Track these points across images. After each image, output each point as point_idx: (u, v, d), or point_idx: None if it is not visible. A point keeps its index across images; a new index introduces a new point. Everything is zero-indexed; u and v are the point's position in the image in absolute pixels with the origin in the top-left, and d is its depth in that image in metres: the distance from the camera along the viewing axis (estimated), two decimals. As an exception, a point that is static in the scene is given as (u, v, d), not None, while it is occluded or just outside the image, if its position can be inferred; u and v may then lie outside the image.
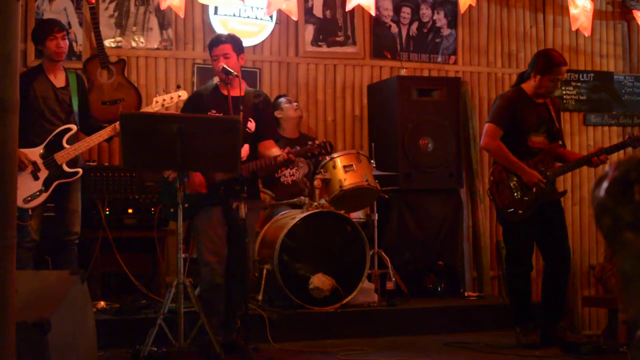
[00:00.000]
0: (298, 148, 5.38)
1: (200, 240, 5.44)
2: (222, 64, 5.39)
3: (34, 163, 5.66)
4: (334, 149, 5.27)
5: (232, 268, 5.36)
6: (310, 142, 5.33)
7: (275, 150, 5.45)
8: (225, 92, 5.42)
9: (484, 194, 7.99)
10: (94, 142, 5.87)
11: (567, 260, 5.90)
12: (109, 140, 6.00)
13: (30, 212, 5.69)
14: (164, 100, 5.95)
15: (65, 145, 5.76)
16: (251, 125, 5.47)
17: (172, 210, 5.33)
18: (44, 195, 5.69)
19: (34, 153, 5.67)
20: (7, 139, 2.48)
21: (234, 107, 5.28)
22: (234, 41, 5.54)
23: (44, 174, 5.69)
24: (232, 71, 5.34)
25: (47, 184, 5.70)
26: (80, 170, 5.86)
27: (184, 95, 6.04)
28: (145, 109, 6.00)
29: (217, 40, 5.54)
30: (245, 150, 5.35)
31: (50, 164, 5.70)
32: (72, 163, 5.80)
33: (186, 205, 5.23)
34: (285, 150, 5.27)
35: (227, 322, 5.37)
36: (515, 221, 5.83)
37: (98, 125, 5.99)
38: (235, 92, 5.45)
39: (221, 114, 5.33)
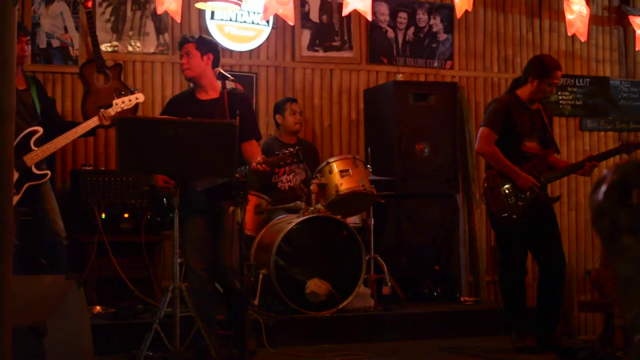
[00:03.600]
0: (270, 158, 5.20)
1: (187, 248, 5.41)
2: (184, 61, 5.38)
3: None
4: (301, 158, 5.11)
5: (227, 274, 5.35)
6: (282, 151, 5.12)
7: (256, 155, 5.40)
8: (200, 97, 5.44)
9: (480, 199, 7.99)
10: (65, 142, 5.83)
11: (561, 266, 5.90)
12: (92, 133, 5.97)
13: None
14: (123, 102, 5.95)
15: (33, 147, 5.73)
16: None
17: (171, 215, 5.31)
18: (16, 198, 5.64)
19: None
20: (3, 145, 2.47)
21: (210, 111, 5.26)
22: (199, 40, 5.47)
23: (14, 176, 5.66)
24: (229, 76, 5.32)
25: (17, 186, 5.66)
26: (48, 172, 5.85)
27: (141, 97, 6.05)
28: (107, 110, 5.91)
29: (181, 42, 5.49)
30: None
31: (20, 166, 5.67)
32: (40, 165, 5.78)
33: (171, 215, 5.23)
34: (258, 160, 5.12)
35: (232, 325, 5.35)
36: (508, 226, 5.83)
37: (69, 124, 6.00)
38: (211, 95, 5.45)
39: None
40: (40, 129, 5.79)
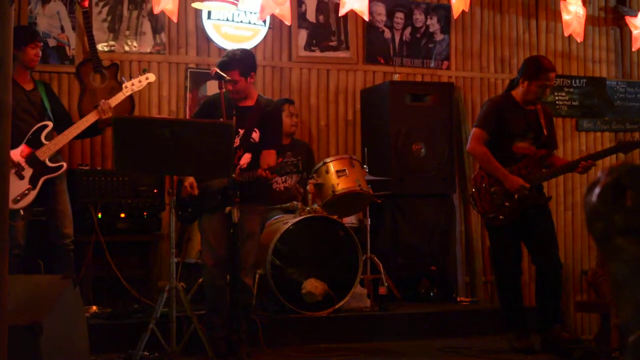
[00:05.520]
0: (273, 166, 5.35)
1: (202, 243, 5.56)
2: (229, 88, 5.43)
3: (17, 163, 5.67)
4: (300, 169, 5.26)
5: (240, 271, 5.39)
6: (284, 161, 5.29)
7: (269, 161, 5.47)
8: (238, 104, 5.50)
9: (468, 199, 7.98)
10: (74, 134, 5.89)
11: (555, 267, 5.87)
12: (95, 131, 6.01)
13: (21, 212, 5.70)
14: (133, 85, 6.01)
15: (44, 141, 5.78)
16: (255, 135, 5.47)
17: (189, 210, 5.49)
18: (33, 193, 5.70)
19: (15, 153, 5.66)
20: (1, 143, 2.47)
21: (241, 117, 5.36)
22: (242, 64, 5.47)
23: (28, 172, 5.70)
24: (225, 75, 5.34)
25: (33, 181, 5.71)
26: (64, 163, 5.92)
27: (151, 77, 6.12)
28: (117, 96, 5.97)
29: (225, 66, 5.43)
30: (246, 158, 5.39)
31: (33, 161, 5.71)
32: (53, 159, 5.81)
33: (189, 209, 5.36)
34: (264, 167, 5.27)
35: (230, 323, 5.39)
36: (497, 226, 5.85)
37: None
38: (247, 103, 5.54)
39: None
40: (50, 124, 5.87)
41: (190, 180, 5.41)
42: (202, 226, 5.52)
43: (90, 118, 5.91)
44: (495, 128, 5.85)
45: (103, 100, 5.94)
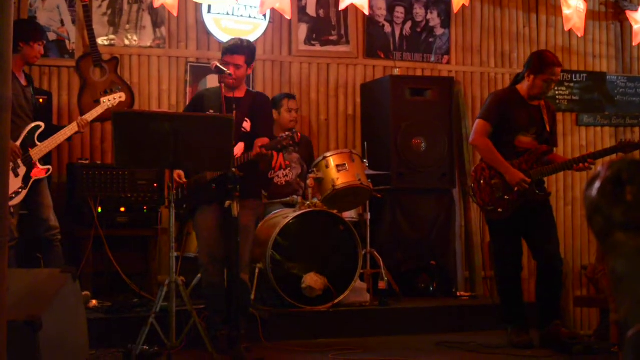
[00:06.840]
0: (268, 143, 5.37)
1: (197, 241, 5.61)
2: (230, 71, 5.44)
3: (15, 159, 5.70)
4: (298, 139, 5.29)
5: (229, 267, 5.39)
6: (280, 135, 5.32)
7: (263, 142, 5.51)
8: (228, 95, 5.50)
9: (467, 191, 7.97)
10: (62, 139, 5.94)
11: (555, 263, 5.87)
12: (69, 139, 6.08)
13: (12, 210, 5.70)
14: (109, 101, 6.13)
15: (37, 142, 5.82)
16: (247, 125, 5.51)
17: (184, 206, 5.59)
18: (24, 193, 5.74)
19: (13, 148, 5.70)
20: (1, 137, 2.47)
21: (230, 107, 5.34)
22: (249, 52, 5.58)
23: (22, 170, 5.74)
24: (226, 70, 5.36)
25: (25, 180, 5.75)
26: (50, 167, 5.99)
27: (123, 97, 6.29)
28: (95, 110, 6.08)
29: (234, 49, 5.55)
30: (239, 148, 5.38)
31: (27, 160, 5.75)
32: (43, 160, 5.84)
33: (184, 205, 5.37)
34: (259, 145, 5.29)
35: (230, 319, 5.39)
36: (495, 219, 5.84)
37: (56, 127, 6.16)
38: (238, 94, 5.55)
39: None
40: (42, 124, 5.89)
41: (178, 171, 5.46)
42: (196, 222, 5.54)
43: (73, 128, 5.95)
44: (498, 121, 5.85)
45: (80, 117, 6.02)
